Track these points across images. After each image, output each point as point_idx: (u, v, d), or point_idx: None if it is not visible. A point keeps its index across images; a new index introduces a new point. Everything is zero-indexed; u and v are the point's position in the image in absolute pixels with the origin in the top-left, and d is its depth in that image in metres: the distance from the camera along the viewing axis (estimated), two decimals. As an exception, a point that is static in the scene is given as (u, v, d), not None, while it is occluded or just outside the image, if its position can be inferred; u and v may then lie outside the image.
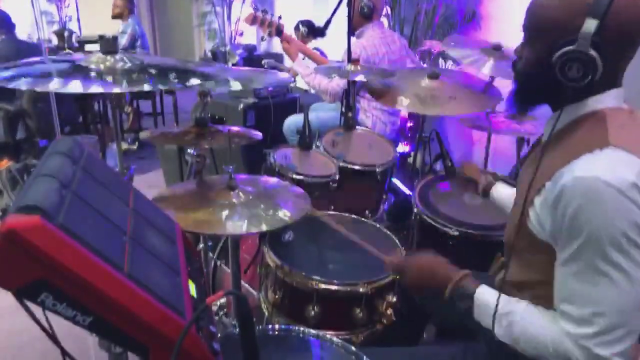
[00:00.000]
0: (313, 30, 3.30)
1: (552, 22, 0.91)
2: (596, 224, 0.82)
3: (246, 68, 2.02)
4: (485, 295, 1.01)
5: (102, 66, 1.29)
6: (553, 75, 0.89)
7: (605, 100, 0.93)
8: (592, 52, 0.85)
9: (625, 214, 0.81)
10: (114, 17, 4.91)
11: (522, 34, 0.99)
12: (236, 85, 1.47)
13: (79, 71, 1.28)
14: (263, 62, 3.84)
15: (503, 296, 0.98)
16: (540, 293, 0.96)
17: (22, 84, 1.18)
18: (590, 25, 0.84)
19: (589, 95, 0.93)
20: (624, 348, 0.85)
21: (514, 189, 1.32)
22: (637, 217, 0.81)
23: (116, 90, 1.23)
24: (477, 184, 1.56)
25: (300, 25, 3.69)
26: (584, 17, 0.85)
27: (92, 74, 1.26)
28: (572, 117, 0.95)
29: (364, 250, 1.29)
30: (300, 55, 2.68)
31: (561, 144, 0.94)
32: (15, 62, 1.32)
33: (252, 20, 2.56)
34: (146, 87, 1.27)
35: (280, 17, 2.57)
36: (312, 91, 2.69)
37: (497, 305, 0.97)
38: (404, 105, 1.98)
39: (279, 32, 2.57)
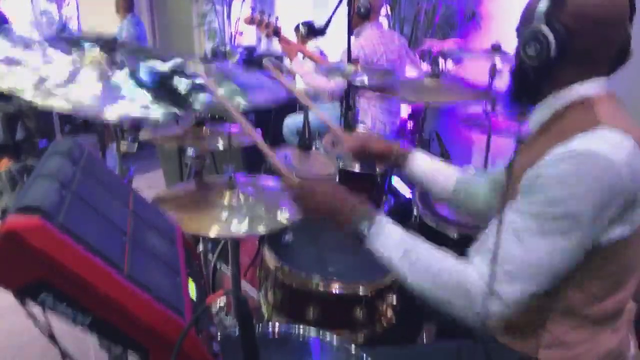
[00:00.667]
0: (313, 30, 3.30)
1: (524, 12, 0.97)
2: (584, 191, 0.84)
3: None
4: (383, 220, 1.00)
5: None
6: (522, 59, 0.94)
7: (593, 89, 0.94)
8: (545, 29, 0.89)
9: (611, 187, 0.83)
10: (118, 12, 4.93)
11: None
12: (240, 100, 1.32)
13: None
14: (264, 61, 3.83)
15: (404, 231, 0.99)
16: (541, 292, 0.96)
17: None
18: (543, 4, 0.90)
19: (568, 84, 0.95)
20: (514, 296, 0.87)
21: (438, 160, 1.30)
22: (620, 191, 0.84)
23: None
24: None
25: (300, 26, 3.69)
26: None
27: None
28: (557, 107, 0.96)
29: (364, 251, 1.28)
30: (300, 55, 2.68)
31: (550, 132, 0.95)
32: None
33: (250, 21, 2.56)
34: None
35: (277, 18, 2.57)
36: (312, 92, 2.68)
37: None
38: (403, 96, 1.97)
39: (277, 33, 2.57)
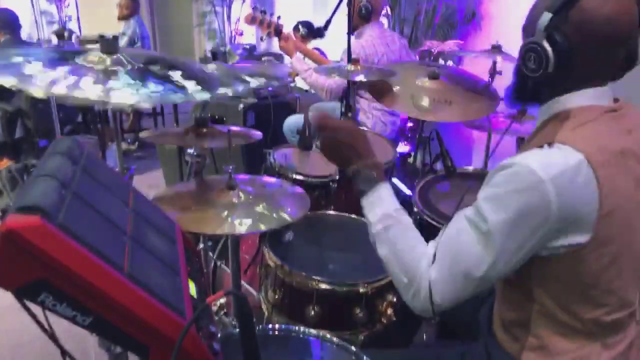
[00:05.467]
0: (312, 31, 3.30)
1: (529, 19, 0.96)
2: (506, 200, 0.86)
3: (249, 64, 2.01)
4: (385, 190, 1.05)
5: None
6: (522, 68, 0.95)
7: (580, 100, 0.93)
8: (545, 44, 0.89)
9: (533, 203, 0.84)
10: (120, 18, 4.90)
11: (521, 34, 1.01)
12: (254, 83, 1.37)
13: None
14: (263, 59, 3.84)
15: (398, 203, 1.04)
16: (539, 291, 0.96)
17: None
18: (545, 18, 0.89)
19: (562, 94, 0.95)
20: (434, 277, 0.92)
21: None
22: (540, 209, 0.84)
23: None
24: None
25: (300, 26, 3.68)
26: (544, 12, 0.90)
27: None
28: (545, 117, 0.98)
29: (364, 250, 1.28)
30: (300, 54, 2.68)
31: (529, 143, 0.97)
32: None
33: (251, 20, 2.56)
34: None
35: (279, 18, 2.57)
36: (312, 90, 2.68)
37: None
38: (401, 109, 1.98)
39: (278, 32, 2.56)
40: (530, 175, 0.84)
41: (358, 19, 2.59)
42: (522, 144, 2.35)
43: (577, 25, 0.88)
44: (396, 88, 2.07)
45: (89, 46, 1.31)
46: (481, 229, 0.89)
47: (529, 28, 0.95)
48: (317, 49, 3.47)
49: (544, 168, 0.84)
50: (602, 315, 0.93)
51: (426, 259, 0.94)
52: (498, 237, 0.87)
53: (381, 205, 1.02)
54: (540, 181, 0.83)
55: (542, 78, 0.92)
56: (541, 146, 0.88)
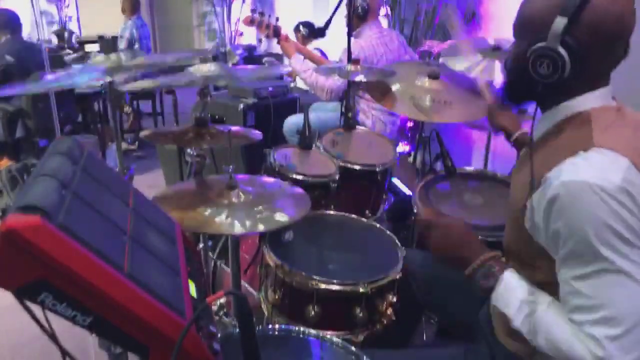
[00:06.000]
0: (313, 31, 3.30)
1: (531, 19, 0.93)
2: (587, 225, 0.81)
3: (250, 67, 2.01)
4: (513, 279, 0.97)
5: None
6: (529, 71, 0.92)
7: (591, 101, 0.93)
8: (561, 50, 0.87)
9: (613, 214, 0.80)
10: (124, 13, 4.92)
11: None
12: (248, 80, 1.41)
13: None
14: (264, 60, 3.85)
15: (529, 285, 0.96)
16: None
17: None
18: (560, 23, 0.86)
19: (572, 96, 0.93)
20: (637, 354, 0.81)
21: None
22: (626, 217, 0.80)
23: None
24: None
25: (301, 27, 3.69)
26: (556, 15, 0.87)
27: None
28: (558, 119, 0.96)
29: (364, 250, 1.28)
30: (300, 55, 2.68)
31: (549, 146, 0.95)
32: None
33: (249, 22, 2.56)
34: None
35: (277, 19, 2.57)
36: (312, 91, 2.68)
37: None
38: (401, 110, 1.98)
39: (277, 33, 2.56)
40: (597, 191, 0.80)
41: (355, 19, 2.59)
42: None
43: (589, 27, 0.86)
44: (396, 87, 2.07)
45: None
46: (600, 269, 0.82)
47: (529, 29, 0.93)
48: (318, 49, 3.48)
49: (605, 179, 0.80)
50: None
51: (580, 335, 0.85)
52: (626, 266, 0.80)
53: (514, 295, 0.95)
54: (611, 193, 0.80)
55: (555, 82, 0.90)
56: (575, 153, 0.85)
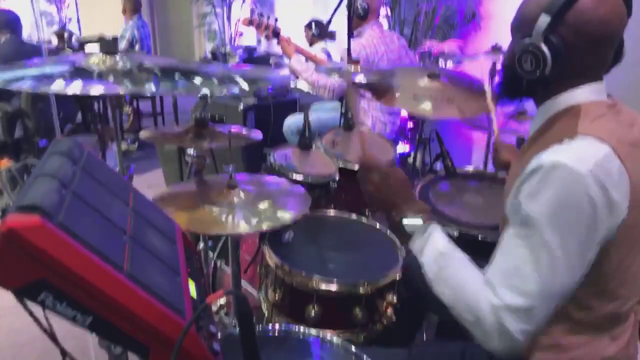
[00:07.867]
0: (324, 32, 3.30)
1: (523, 17, 0.96)
2: (546, 203, 0.84)
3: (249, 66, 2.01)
4: (435, 232, 1.03)
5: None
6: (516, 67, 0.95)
7: (582, 96, 0.95)
8: (543, 47, 0.89)
9: (576, 198, 0.83)
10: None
11: None
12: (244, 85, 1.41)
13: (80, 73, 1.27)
14: (271, 60, 3.86)
15: (448, 241, 1.01)
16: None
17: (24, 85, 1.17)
18: (543, 21, 0.89)
19: (559, 92, 0.96)
20: (531, 328, 0.86)
21: None
22: (585, 204, 0.83)
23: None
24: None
25: (313, 25, 3.65)
26: (542, 13, 0.90)
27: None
28: (550, 113, 0.98)
29: (364, 250, 1.28)
30: (300, 55, 2.68)
31: (540, 140, 0.97)
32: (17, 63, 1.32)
33: (249, 23, 2.56)
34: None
35: (276, 20, 2.57)
36: (312, 91, 2.68)
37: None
38: (401, 105, 1.97)
39: (276, 34, 2.56)
40: (566, 171, 0.83)
41: (356, 19, 2.60)
42: (522, 144, 2.36)
43: (573, 27, 0.89)
44: (397, 86, 2.07)
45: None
46: (533, 240, 0.86)
47: (521, 27, 0.96)
48: (325, 50, 3.48)
49: (578, 162, 0.83)
50: (618, 308, 0.94)
51: (488, 290, 0.90)
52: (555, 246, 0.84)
53: (433, 246, 1.01)
54: (580, 175, 0.82)
55: (537, 78, 0.93)
56: (561, 141, 0.88)
